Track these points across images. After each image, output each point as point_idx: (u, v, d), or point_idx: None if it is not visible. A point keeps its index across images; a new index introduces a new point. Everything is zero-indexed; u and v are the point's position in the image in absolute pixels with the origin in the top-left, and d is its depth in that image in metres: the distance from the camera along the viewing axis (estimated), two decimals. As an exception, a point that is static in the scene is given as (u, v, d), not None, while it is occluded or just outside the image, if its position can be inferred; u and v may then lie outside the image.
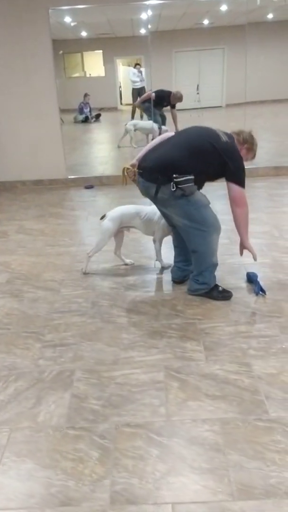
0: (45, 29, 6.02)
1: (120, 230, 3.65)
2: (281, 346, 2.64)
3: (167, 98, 9.31)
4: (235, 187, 2.94)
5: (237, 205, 2.97)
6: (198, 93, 13.87)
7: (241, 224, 3.05)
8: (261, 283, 3.28)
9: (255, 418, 2.12)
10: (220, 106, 16.14)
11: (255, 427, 2.07)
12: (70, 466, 1.91)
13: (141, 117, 12.90)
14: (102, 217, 3.58)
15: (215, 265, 3.17)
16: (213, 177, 3.03)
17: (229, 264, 3.71)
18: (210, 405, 2.21)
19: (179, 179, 2.83)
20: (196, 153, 2.89)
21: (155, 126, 8.74)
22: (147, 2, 6.53)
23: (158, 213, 3.43)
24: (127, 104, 15.87)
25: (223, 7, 9.88)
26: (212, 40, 15.42)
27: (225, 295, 3.19)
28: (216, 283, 3.22)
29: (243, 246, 3.18)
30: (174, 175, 2.83)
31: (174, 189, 2.85)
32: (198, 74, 14.27)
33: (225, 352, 2.61)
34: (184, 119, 10.00)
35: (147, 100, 9.16)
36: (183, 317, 3.01)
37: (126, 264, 3.82)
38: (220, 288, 3.22)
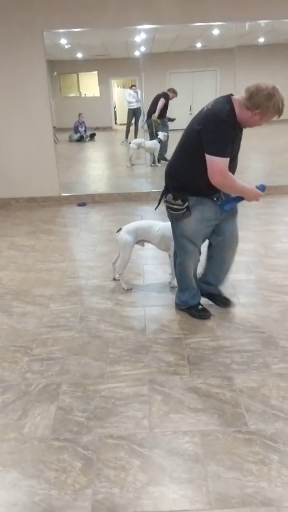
0: (40, 51, 6.18)
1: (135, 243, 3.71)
2: (263, 360, 2.70)
3: (168, 98, 9.68)
4: (209, 158, 2.61)
5: (213, 177, 2.65)
6: (191, 114, 14.12)
7: (230, 191, 2.80)
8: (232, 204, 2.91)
9: (235, 430, 2.18)
10: (213, 126, 16.42)
11: (235, 439, 2.12)
12: (53, 476, 1.96)
13: (135, 136, 13.09)
14: (118, 231, 3.65)
15: (194, 288, 3.23)
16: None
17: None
18: (191, 417, 2.27)
19: (169, 204, 2.90)
20: (187, 150, 2.77)
21: (158, 144, 8.95)
22: (139, 27, 6.68)
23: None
24: (121, 124, 16.13)
25: (215, 31, 10.14)
26: (205, 63, 15.74)
27: (202, 314, 3.24)
28: (199, 301, 3.29)
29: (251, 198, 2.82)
30: (166, 196, 2.90)
31: (164, 203, 2.96)
32: (192, 95, 14.54)
33: (209, 366, 2.68)
34: (176, 140, 10.20)
35: (162, 108, 9.48)
36: (169, 332, 3.07)
37: (114, 279, 3.88)
38: (200, 307, 3.27)
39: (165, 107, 9.46)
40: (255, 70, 16.90)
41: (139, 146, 8.93)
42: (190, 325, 3.14)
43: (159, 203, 3.06)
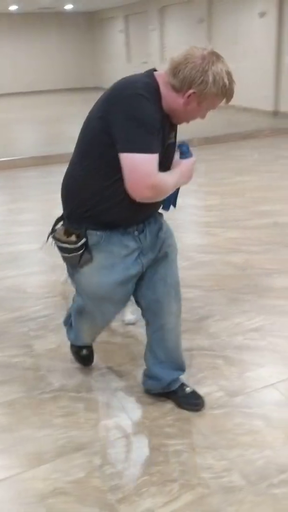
0: None
1: None
2: (59, 321, 2.77)
3: None
4: (128, 159, 1.55)
5: (137, 190, 1.60)
6: None
7: (166, 195, 1.76)
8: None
9: (40, 392, 2.24)
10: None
11: (41, 400, 2.19)
12: None
13: None
14: None
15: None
16: None
17: (7, 253, 3.74)
18: (-5, 392, 2.25)
19: (58, 242, 1.81)
20: (87, 156, 1.69)
21: None
22: None
23: None
24: None
25: None
26: None
27: (79, 358, 2.38)
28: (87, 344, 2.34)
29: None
30: (55, 231, 1.84)
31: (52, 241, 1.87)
32: None
33: (5, 339, 2.67)
34: None
35: None
36: None
37: None
38: (83, 352, 2.34)
39: None
40: (11, 39, 16.44)
41: None
42: (-19, 304, 3.05)
43: (48, 238, 1.88)
